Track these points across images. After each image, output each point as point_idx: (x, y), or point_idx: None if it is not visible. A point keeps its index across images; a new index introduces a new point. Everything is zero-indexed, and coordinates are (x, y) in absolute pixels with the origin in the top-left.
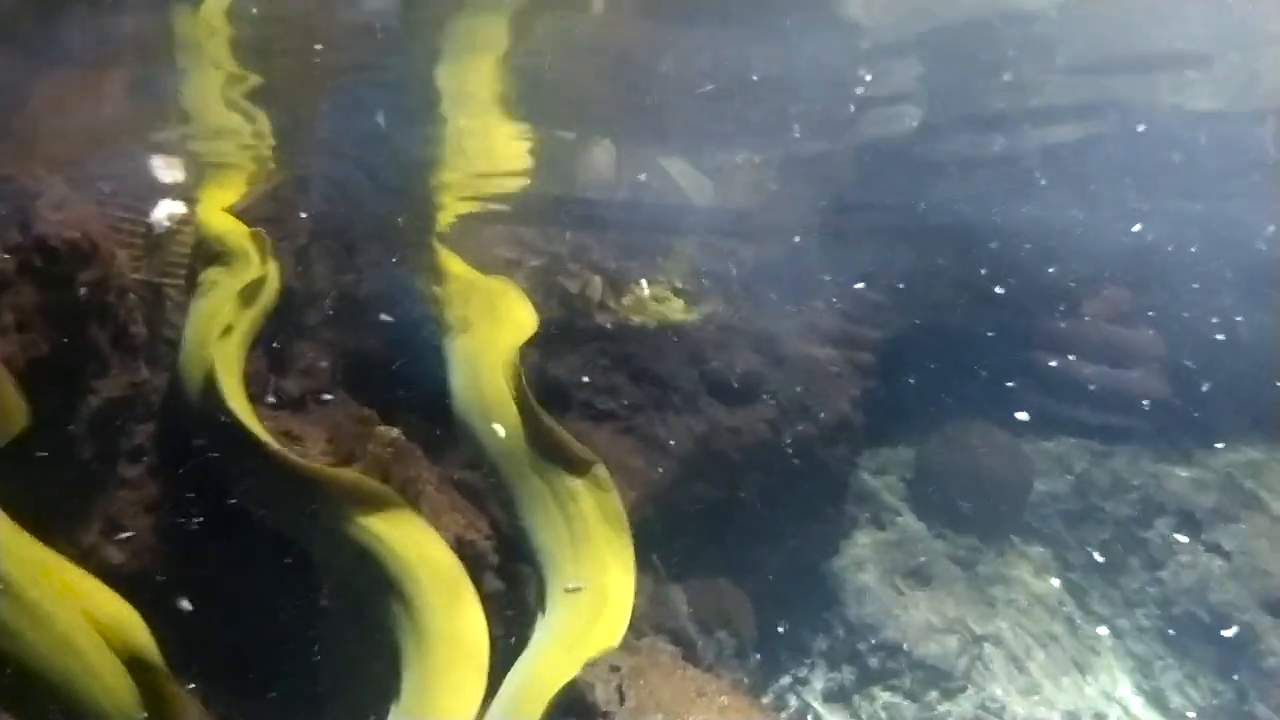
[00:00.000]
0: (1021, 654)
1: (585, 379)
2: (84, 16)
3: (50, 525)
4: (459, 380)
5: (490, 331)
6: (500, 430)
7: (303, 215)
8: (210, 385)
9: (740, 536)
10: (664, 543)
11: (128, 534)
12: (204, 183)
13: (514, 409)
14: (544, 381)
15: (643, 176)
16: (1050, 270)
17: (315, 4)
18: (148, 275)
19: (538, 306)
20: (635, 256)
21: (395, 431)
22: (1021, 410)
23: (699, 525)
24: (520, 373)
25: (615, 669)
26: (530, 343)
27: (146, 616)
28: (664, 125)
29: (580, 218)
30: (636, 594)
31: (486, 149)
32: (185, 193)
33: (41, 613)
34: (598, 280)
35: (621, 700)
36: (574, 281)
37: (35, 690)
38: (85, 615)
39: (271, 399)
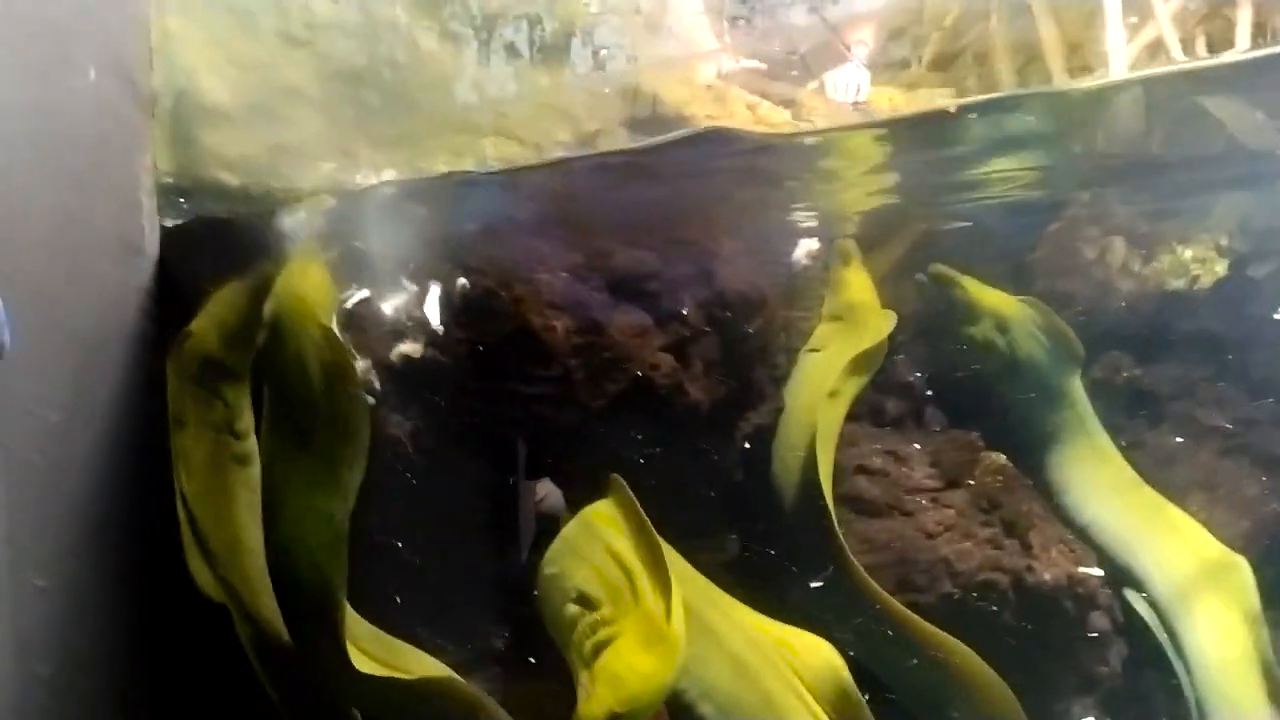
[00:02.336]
0: None
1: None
2: None
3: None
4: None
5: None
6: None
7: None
8: (810, 457)
9: None
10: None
11: None
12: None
13: None
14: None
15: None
16: None
17: None
18: (788, 311)
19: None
20: (1171, 216)
21: (1003, 459)
22: None
23: None
24: None
25: None
26: None
27: None
28: None
29: (1104, 174)
30: None
31: None
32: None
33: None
34: (1119, 243)
35: None
36: (1091, 247)
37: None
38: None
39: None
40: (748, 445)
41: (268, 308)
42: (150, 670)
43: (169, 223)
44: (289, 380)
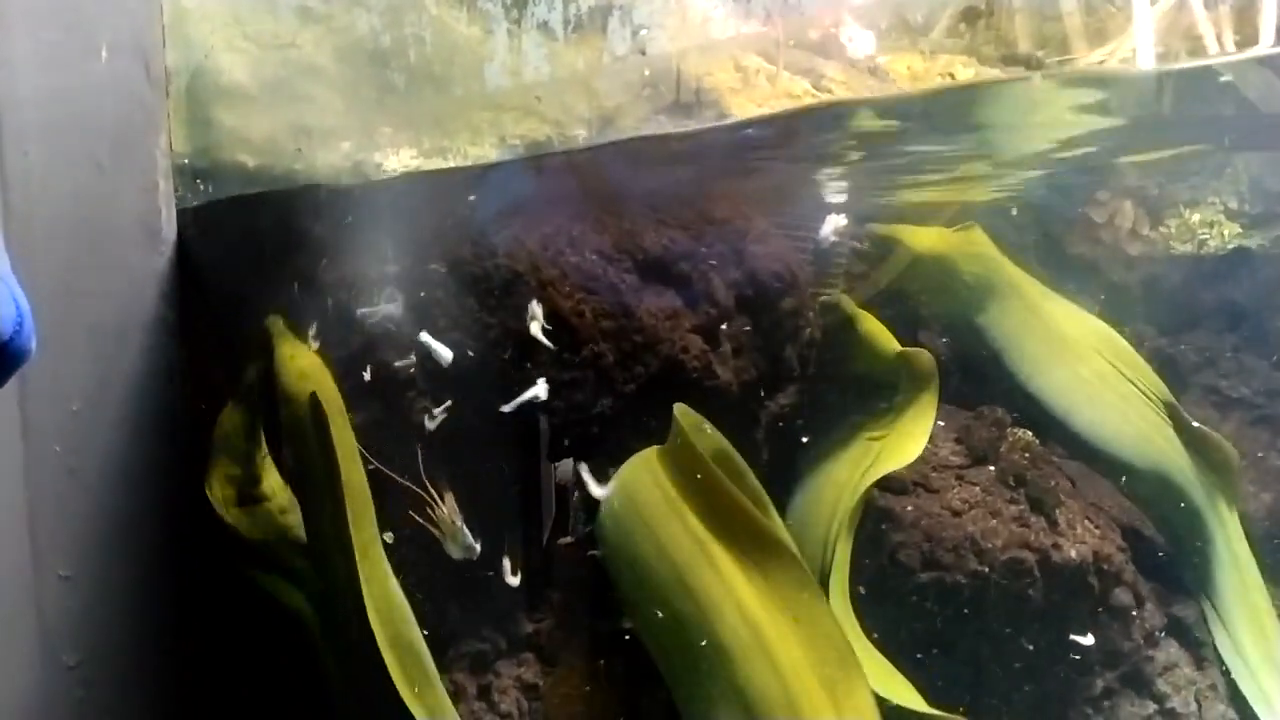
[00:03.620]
0: None
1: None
2: None
3: None
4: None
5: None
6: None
7: None
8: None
9: None
10: None
11: None
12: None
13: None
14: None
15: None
16: None
17: None
18: (815, 289)
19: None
20: (1182, 178)
21: (1030, 435)
22: None
23: None
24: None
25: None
26: None
27: None
28: None
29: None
30: None
31: None
32: (849, 207)
33: None
34: (1128, 206)
35: None
36: (1100, 210)
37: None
38: None
39: None
40: (780, 425)
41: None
42: (176, 657)
43: (187, 205)
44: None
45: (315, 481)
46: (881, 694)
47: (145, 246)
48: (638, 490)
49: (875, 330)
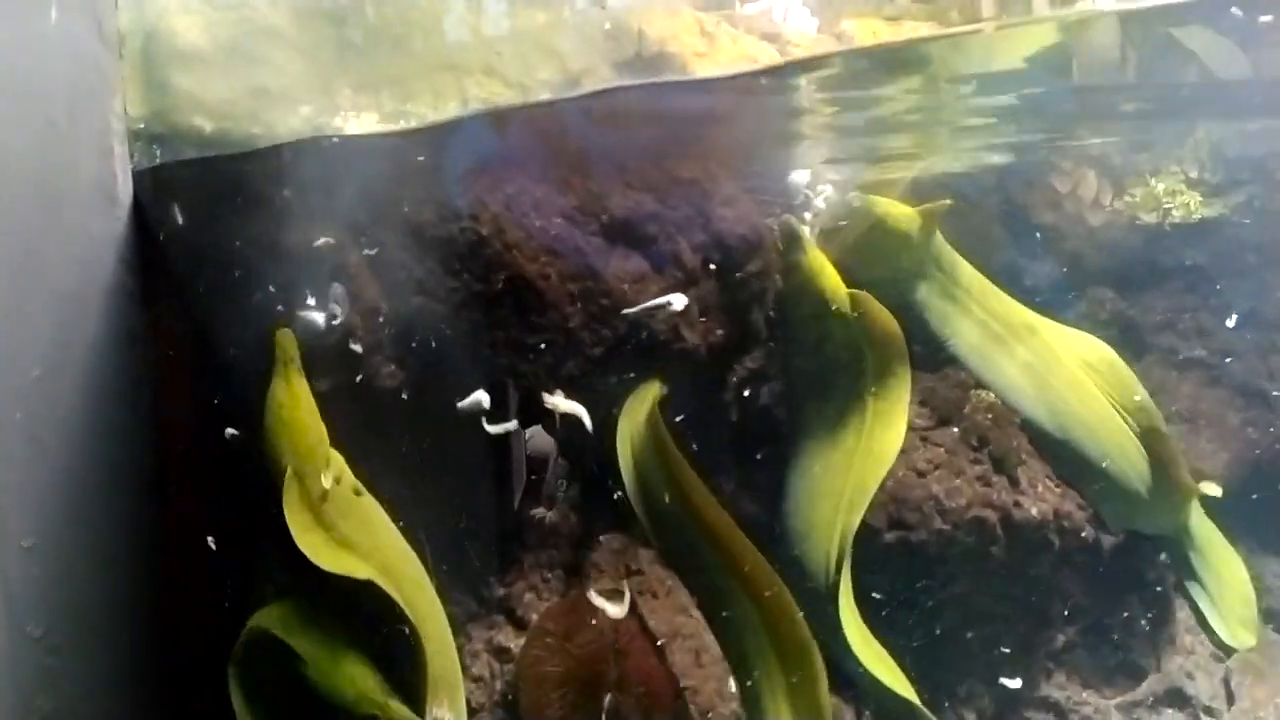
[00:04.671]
0: None
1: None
2: None
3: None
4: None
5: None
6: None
7: None
8: None
9: None
10: (1261, 515)
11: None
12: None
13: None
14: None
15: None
16: None
17: None
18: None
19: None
20: (1144, 149)
21: (993, 396)
22: None
23: None
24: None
25: (1218, 659)
26: None
27: None
28: None
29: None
30: None
31: None
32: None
33: None
34: (1091, 176)
35: (1230, 700)
36: (1064, 180)
37: None
38: None
39: None
40: (745, 391)
41: None
42: (142, 624)
43: (143, 169)
44: None
45: None
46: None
47: (102, 211)
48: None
49: (824, 268)
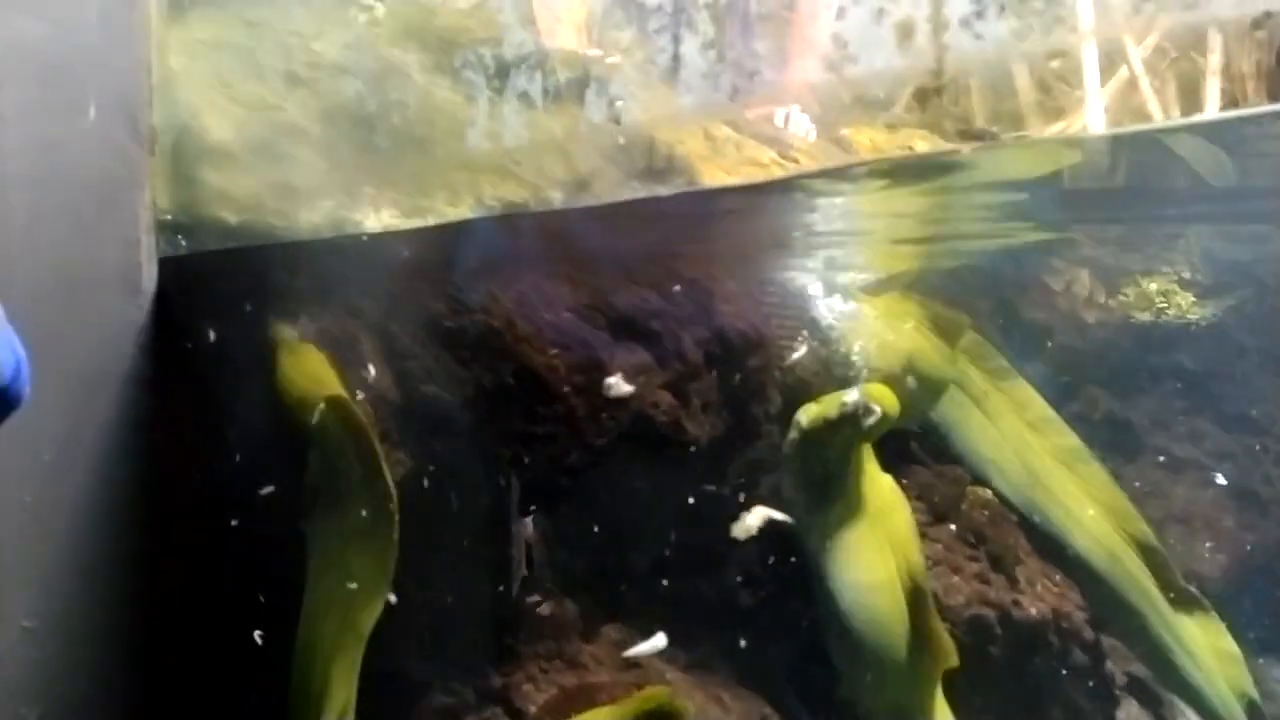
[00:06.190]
0: None
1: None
2: None
3: None
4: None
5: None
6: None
7: None
8: None
9: None
10: (1257, 616)
11: None
12: None
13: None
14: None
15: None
16: None
17: None
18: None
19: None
20: (1136, 249)
21: (989, 494)
22: None
23: None
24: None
25: None
26: None
27: None
28: None
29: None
30: None
31: None
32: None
33: None
34: (1084, 275)
35: None
36: (1058, 279)
37: None
38: None
39: None
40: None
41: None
42: (139, 708)
43: (168, 257)
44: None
45: None
46: None
47: (124, 299)
48: None
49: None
